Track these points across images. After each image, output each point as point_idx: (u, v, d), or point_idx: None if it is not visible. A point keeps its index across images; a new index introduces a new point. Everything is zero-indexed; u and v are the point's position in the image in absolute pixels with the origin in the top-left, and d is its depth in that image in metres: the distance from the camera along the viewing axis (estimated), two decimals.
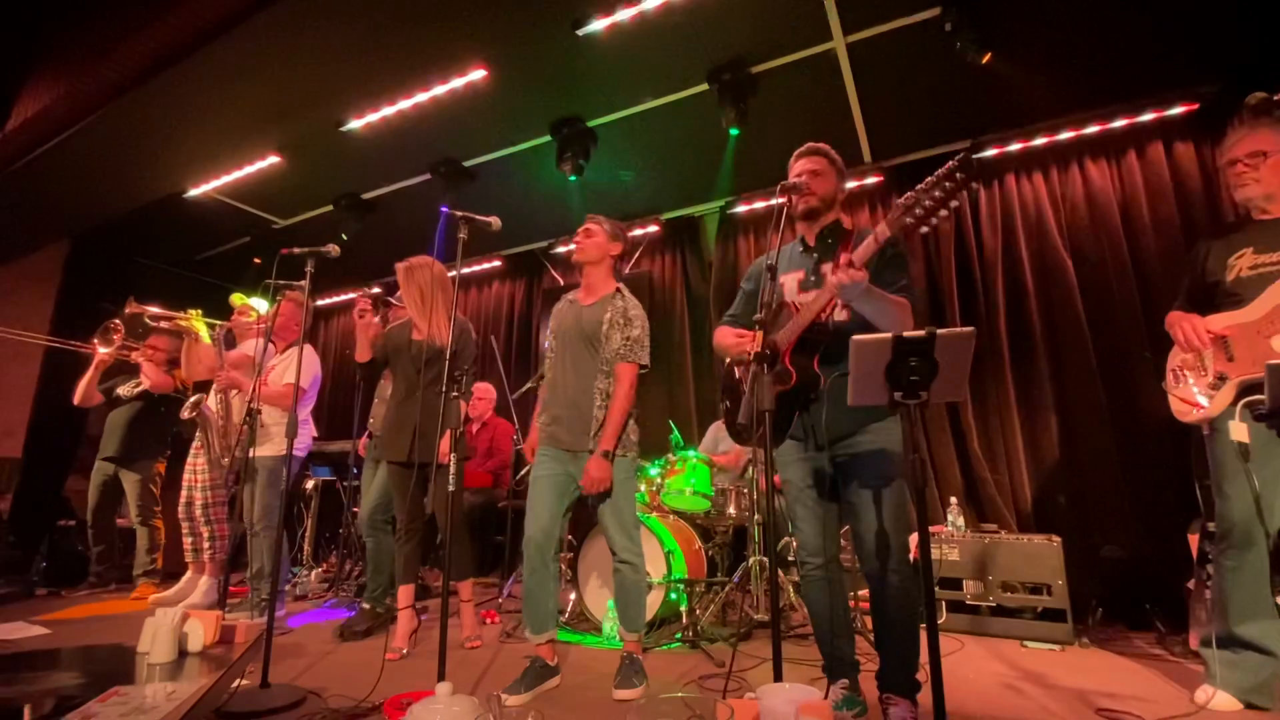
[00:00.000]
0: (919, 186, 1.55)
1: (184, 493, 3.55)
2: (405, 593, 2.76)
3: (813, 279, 1.95)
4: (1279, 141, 2.02)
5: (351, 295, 6.76)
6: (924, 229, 1.57)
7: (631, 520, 2.31)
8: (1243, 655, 1.92)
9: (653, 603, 2.96)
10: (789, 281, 1.99)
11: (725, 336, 2.08)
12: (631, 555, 2.27)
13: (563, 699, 2.11)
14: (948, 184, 1.50)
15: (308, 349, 3.41)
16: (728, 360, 2.15)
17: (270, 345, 3.56)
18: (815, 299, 1.77)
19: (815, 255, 1.98)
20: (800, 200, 1.95)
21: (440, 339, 2.75)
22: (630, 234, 2.55)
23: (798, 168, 2.00)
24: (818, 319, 1.79)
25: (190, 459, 3.57)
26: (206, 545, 3.48)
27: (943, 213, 1.53)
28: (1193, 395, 2.04)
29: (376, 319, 2.86)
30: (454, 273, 2.33)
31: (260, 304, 3.81)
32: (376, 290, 3.34)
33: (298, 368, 2.39)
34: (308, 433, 3.55)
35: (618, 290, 2.40)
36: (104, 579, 4.18)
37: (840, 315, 1.87)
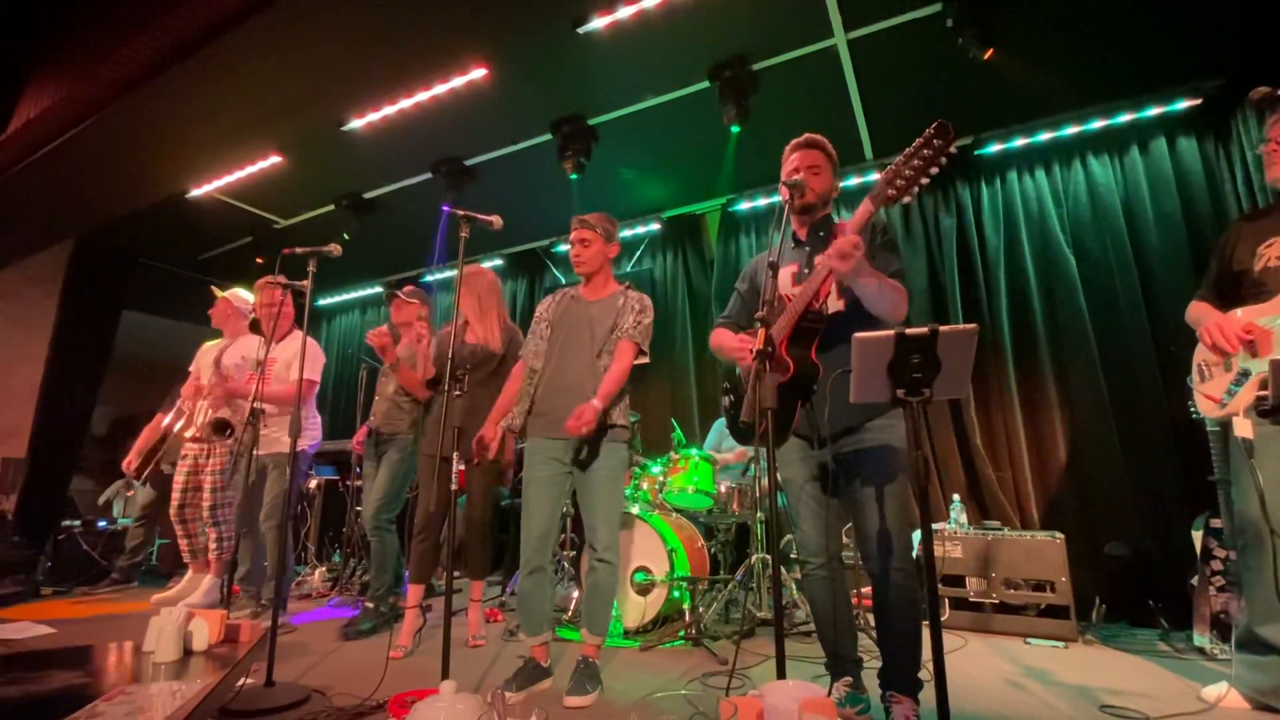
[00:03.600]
0: (899, 158, 1.58)
1: (177, 494, 3.54)
2: (415, 591, 2.77)
3: (806, 272, 1.94)
4: None
5: (355, 295, 6.77)
6: (906, 199, 1.61)
7: (617, 515, 2.25)
8: (1267, 658, 1.86)
9: (656, 600, 2.97)
10: (783, 275, 1.98)
11: (724, 339, 2.08)
12: (610, 554, 2.20)
13: (561, 696, 2.09)
14: (926, 151, 1.54)
15: (309, 339, 3.45)
16: (728, 362, 2.14)
17: (261, 337, 3.59)
18: (810, 280, 1.76)
19: (808, 249, 1.98)
20: (797, 197, 1.95)
21: (493, 342, 2.92)
22: (628, 230, 2.53)
23: (794, 160, 1.99)
24: (810, 306, 1.79)
25: (188, 460, 3.57)
26: (214, 545, 3.49)
27: (924, 180, 1.57)
28: (1217, 392, 1.99)
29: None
30: (455, 272, 2.33)
31: (245, 295, 3.83)
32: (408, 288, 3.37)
33: (302, 360, 2.40)
34: (316, 426, 3.56)
35: (628, 286, 2.43)
36: (129, 576, 4.21)
37: (837, 304, 1.87)
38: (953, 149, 1.56)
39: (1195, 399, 2.11)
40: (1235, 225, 2.13)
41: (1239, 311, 1.97)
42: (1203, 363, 2.09)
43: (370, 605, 3.01)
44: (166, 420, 4.08)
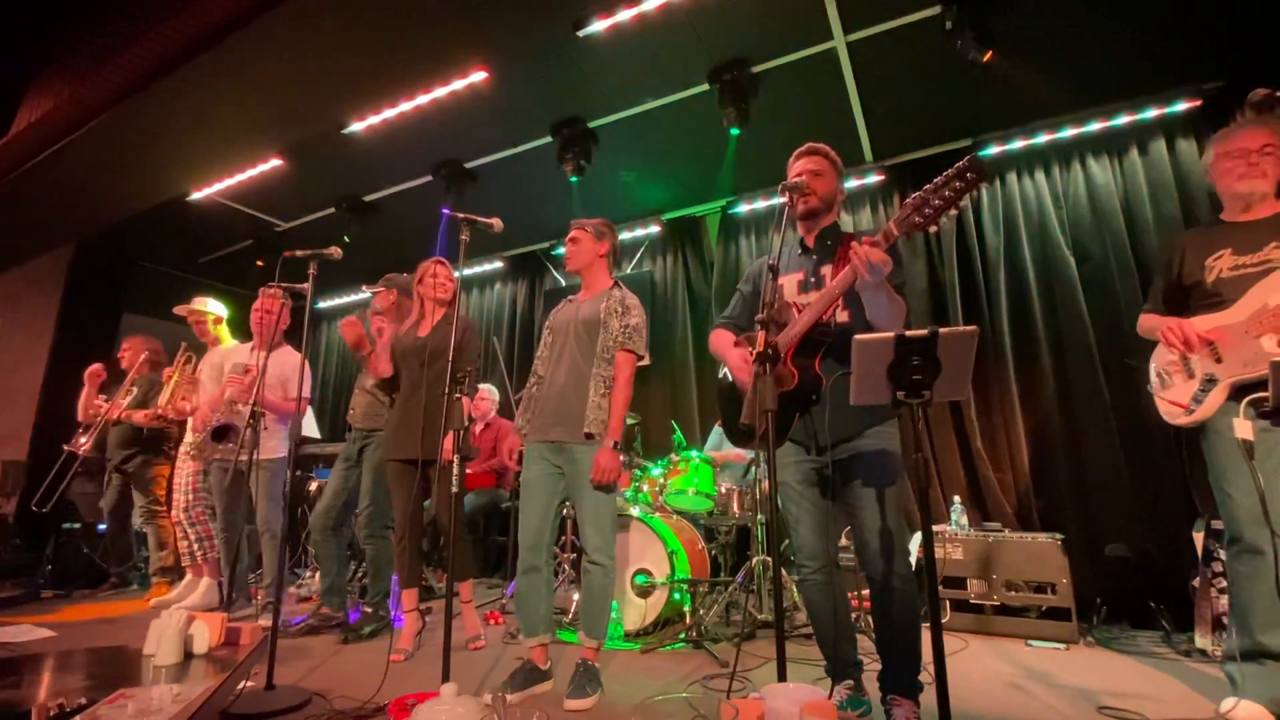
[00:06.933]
0: (928, 186, 1.55)
1: (179, 497, 3.58)
2: (409, 596, 2.76)
3: (812, 280, 1.94)
4: None
5: (355, 297, 6.77)
6: (932, 228, 1.58)
7: (609, 518, 2.24)
8: (1271, 666, 1.81)
9: (656, 603, 2.97)
10: (788, 283, 1.98)
11: (724, 346, 2.07)
12: (603, 557, 2.19)
13: (561, 698, 2.08)
14: (957, 183, 1.51)
15: (292, 352, 3.50)
16: (725, 370, 2.14)
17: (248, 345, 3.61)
18: (825, 294, 1.76)
19: (814, 257, 1.98)
20: (800, 201, 1.94)
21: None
22: (628, 232, 2.53)
23: (797, 167, 1.99)
24: (820, 319, 1.79)
25: (186, 464, 3.60)
26: (196, 548, 3.52)
27: (951, 212, 1.54)
28: (1183, 398, 2.01)
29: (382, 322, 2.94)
30: (457, 274, 2.34)
31: (216, 306, 3.85)
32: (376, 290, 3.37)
33: (301, 377, 2.40)
34: (281, 436, 3.53)
35: (615, 284, 2.42)
36: (125, 579, 4.23)
37: (842, 316, 1.87)
38: (985, 185, 1.54)
39: (1158, 405, 2.12)
40: (1178, 240, 2.18)
41: (1194, 320, 2.01)
42: (1162, 369, 2.12)
43: (369, 609, 3.00)
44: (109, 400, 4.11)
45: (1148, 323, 2.18)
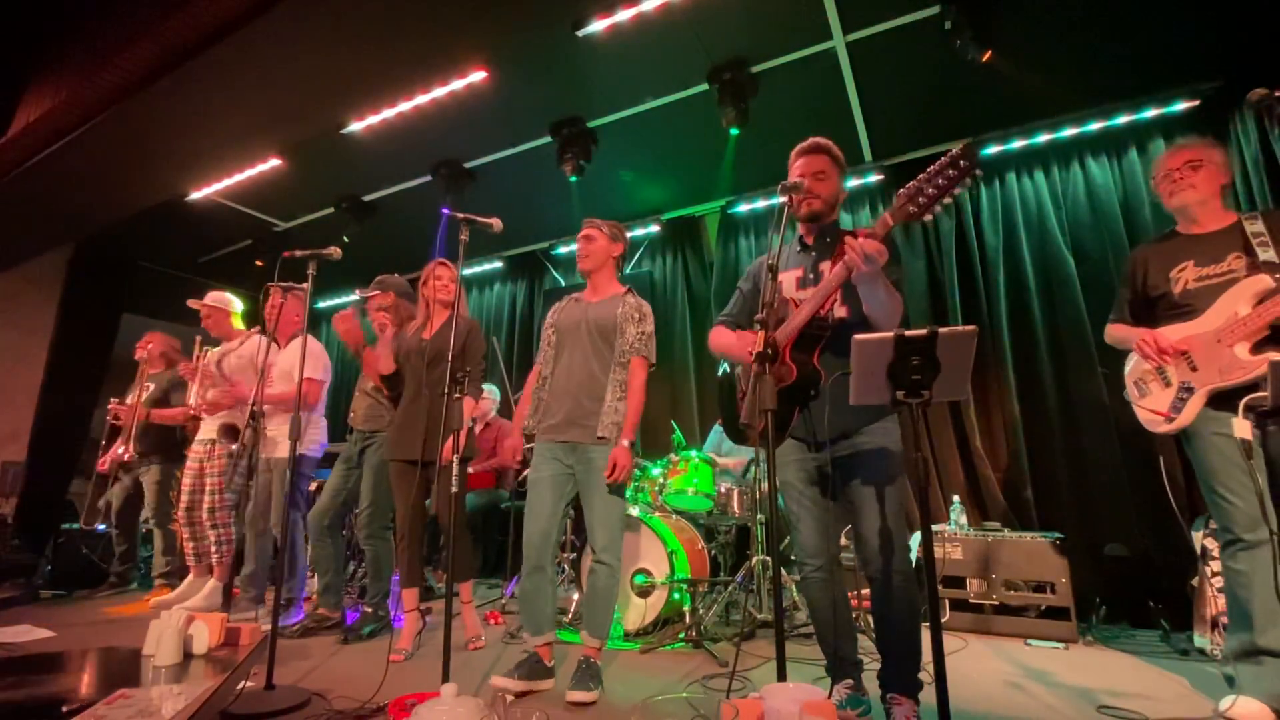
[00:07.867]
0: (921, 175, 1.57)
1: (185, 496, 3.56)
2: (409, 596, 2.76)
3: (811, 277, 1.94)
4: (1211, 154, 2.11)
5: (354, 297, 6.77)
6: (927, 217, 1.59)
7: (618, 519, 2.26)
8: (1269, 664, 1.81)
9: (656, 603, 2.97)
10: (787, 279, 1.98)
11: (724, 337, 2.07)
12: (610, 557, 2.21)
13: (562, 699, 2.08)
14: (951, 172, 1.53)
15: (310, 339, 3.47)
16: (724, 366, 2.14)
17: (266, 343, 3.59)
18: (821, 287, 1.76)
19: (814, 254, 1.98)
20: (803, 203, 1.93)
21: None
22: (628, 233, 2.54)
23: (799, 165, 1.97)
24: (817, 313, 1.79)
25: (193, 463, 3.58)
26: (214, 549, 3.50)
27: (945, 200, 1.55)
28: (1162, 406, 2.06)
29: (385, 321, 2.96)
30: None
31: (235, 300, 3.84)
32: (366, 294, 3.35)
33: (301, 364, 2.38)
34: (320, 429, 3.54)
35: (629, 290, 2.45)
36: (125, 579, 4.25)
37: (840, 311, 1.87)
38: (979, 171, 1.55)
39: (1137, 414, 2.17)
40: (1139, 255, 2.26)
41: (1164, 330, 2.08)
42: (1139, 379, 2.18)
43: (369, 609, 3.00)
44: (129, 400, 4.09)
45: (1117, 333, 2.28)
